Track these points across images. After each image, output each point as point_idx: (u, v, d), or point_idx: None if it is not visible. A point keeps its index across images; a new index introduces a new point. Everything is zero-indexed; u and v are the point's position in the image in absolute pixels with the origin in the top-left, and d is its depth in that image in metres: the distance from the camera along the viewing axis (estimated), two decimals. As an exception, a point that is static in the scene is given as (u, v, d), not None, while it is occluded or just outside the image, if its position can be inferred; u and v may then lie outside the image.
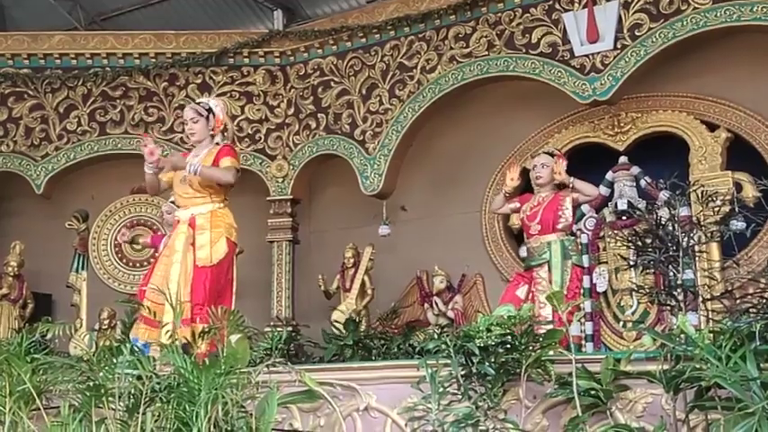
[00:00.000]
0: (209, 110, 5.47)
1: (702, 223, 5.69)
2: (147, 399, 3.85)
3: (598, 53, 7.91)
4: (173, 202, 7.31)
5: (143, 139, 5.59)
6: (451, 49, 8.72)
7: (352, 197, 9.31)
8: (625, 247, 6.55)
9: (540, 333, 3.99)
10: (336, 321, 8.63)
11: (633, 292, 7.51)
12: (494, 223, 8.90)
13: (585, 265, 6.09)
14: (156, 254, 7.55)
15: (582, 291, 5.97)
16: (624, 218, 7.94)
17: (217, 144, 5.45)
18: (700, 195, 5.77)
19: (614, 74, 7.81)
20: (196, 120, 5.44)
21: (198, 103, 5.62)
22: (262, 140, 9.66)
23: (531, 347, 3.81)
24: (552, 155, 6.23)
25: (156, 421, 3.82)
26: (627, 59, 7.77)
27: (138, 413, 3.83)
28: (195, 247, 5.20)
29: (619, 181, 8.10)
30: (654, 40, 7.67)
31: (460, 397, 3.87)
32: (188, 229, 5.27)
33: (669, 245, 5.17)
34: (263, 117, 9.71)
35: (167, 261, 5.27)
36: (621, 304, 7.94)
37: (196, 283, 5.09)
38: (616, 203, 8.05)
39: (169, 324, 4.64)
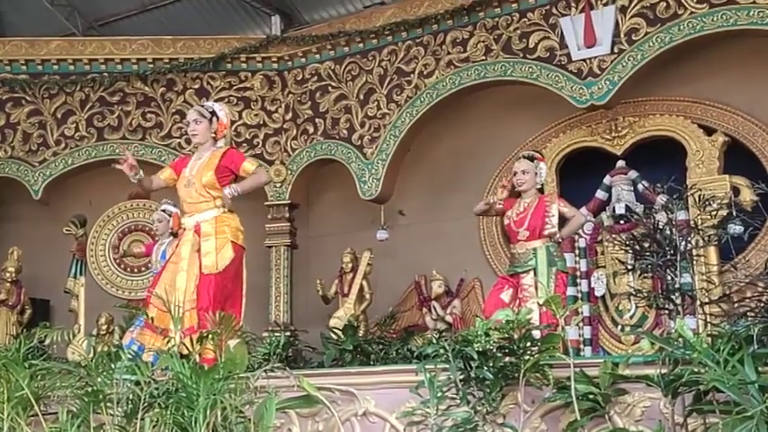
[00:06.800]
0: (213, 113, 5.46)
1: (700, 227, 5.72)
2: (146, 404, 3.85)
3: (595, 58, 7.93)
4: (164, 210, 7.33)
5: (124, 154, 5.51)
6: (449, 53, 8.73)
7: (350, 202, 9.32)
8: (623, 251, 6.54)
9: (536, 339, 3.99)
10: (335, 328, 8.60)
11: (631, 296, 7.51)
12: (491, 228, 8.89)
13: (568, 268, 6.04)
14: (150, 263, 7.58)
15: (568, 296, 5.92)
16: (622, 222, 7.95)
17: (219, 147, 5.43)
18: (697, 199, 5.80)
19: (611, 78, 7.83)
20: (199, 121, 5.43)
21: (201, 106, 5.63)
22: (260, 145, 9.66)
23: (529, 352, 3.81)
24: (532, 159, 6.10)
25: (154, 427, 3.82)
26: (624, 64, 7.79)
27: (137, 419, 3.84)
28: (201, 254, 5.17)
29: (616, 185, 8.10)
30: (651, 44, 7.69)
31: (459, 401, 3.87)
32: (194, 236, 5.25)
33: (667, 249, 5.18)
34: (261, 122, 9.72)
35: (174, 269, 5.24)
36: (620, 308, 7.94)
37: (201, 291, 5.07)
38: (614, 208, 8.06)
39: (174, 334, 4.61)
